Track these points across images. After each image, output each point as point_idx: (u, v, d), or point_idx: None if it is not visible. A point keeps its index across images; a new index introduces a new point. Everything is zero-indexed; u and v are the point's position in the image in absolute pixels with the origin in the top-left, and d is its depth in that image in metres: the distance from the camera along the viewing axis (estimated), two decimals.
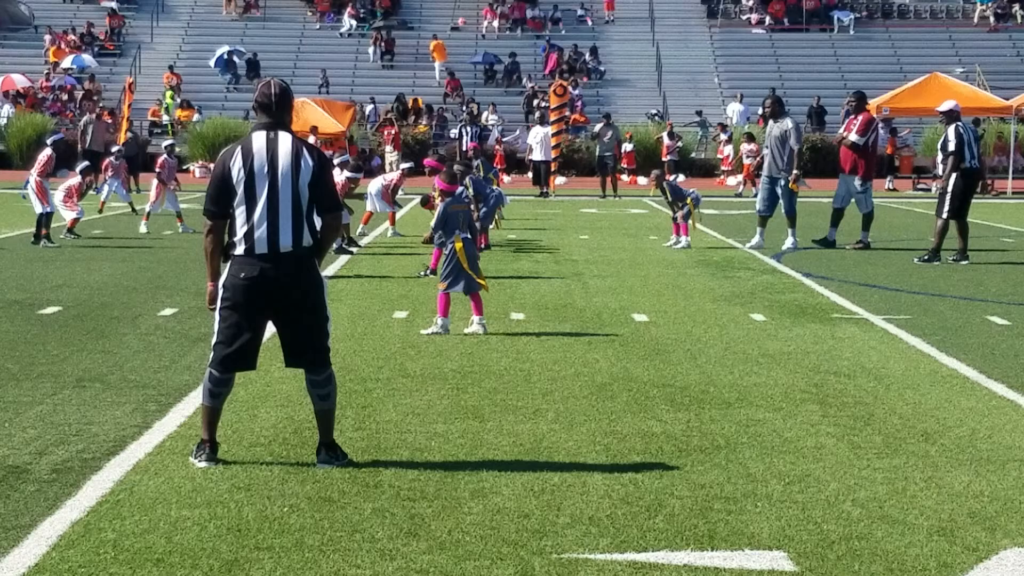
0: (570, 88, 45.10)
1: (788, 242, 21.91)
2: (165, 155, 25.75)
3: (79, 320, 13.54)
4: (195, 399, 9.62)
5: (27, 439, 8.44)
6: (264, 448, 8.29)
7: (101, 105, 47.81)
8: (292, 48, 58.14)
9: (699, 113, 50.36)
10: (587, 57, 56.23)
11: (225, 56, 55.33)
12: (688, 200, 22.21)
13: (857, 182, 21.99)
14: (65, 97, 53.37)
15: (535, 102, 50.99)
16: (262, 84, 8.00)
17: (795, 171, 21.62)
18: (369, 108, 51.57)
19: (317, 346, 7.91)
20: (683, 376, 10.82)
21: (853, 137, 21.97)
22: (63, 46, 56.85)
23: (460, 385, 10.34)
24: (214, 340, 7.88)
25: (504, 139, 47.22)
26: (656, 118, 50.50)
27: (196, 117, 50.97)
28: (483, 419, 9.18)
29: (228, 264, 7.82)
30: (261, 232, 7.67)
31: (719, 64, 56.42)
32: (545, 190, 38.83)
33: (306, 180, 7.72)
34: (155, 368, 10.99)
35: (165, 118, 50.97)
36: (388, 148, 44.01)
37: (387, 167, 40.36)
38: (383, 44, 57.44)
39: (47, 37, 57.41)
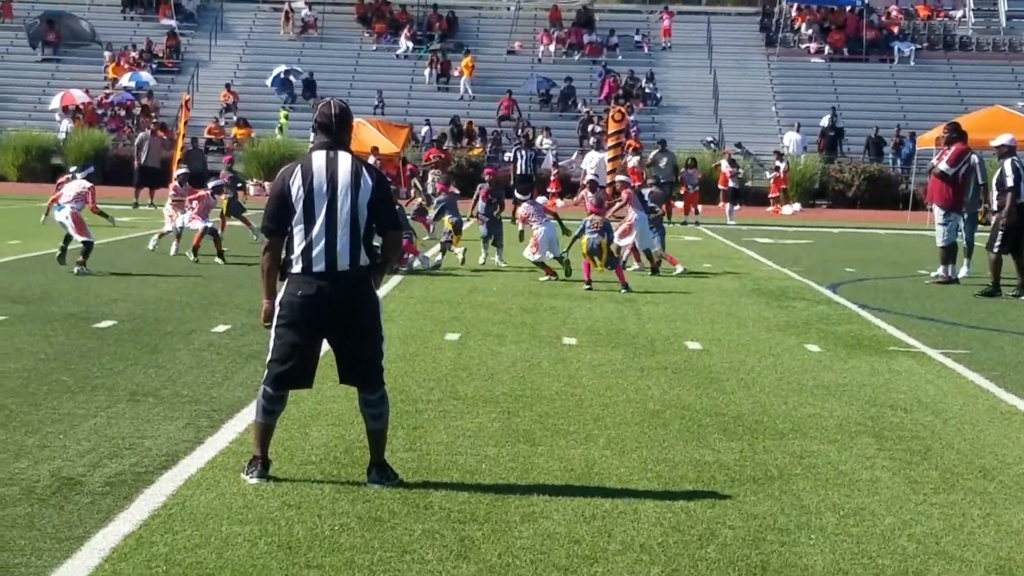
0: (627, 114, 45.03)
1: (964, 270, 22.21)
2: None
3: (133, 335, 13.60)
4: (247, 416, 9.64)
5: (81, 451, 8.47)
6: (315, 466, 8.28)
7: (156, 121, 48.18)
8: (348, 69, 58.37)
9: (739, 145, 50.19)
10: (643, 83, 56.16)
11: (282, 75, 55.61)
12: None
13: (939, 213, 21.73)
14: (123, 113, 53.78)
15: (590, 127, 50.97)
16: (322, 104, 8.02)
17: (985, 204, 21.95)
18: (424, 130, 51.69)
19: (371, 365, 7.91)
20: (736, 405, 10.74)
21: (942, 166, 21.53)
22: (123, 63, 57.32)
23: (511, 408, 10.31)
24: (269, 358, 7.89)
25: (559, 163, 47.20)
26: (712, 145, 50.38)
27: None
28: (534, 443, 9.14)
29: (285, 282, 7.83)
30: (319, 250, 7.69)
31: (776, 93, 56.22)
32: None
33: (365, 199, 7.74)
34: (208, 384, 11.02)
35: (279, 136, 50.89)
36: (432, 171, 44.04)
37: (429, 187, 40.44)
38: (439, 66, 57.60)
39: (107, 54, 57.89)
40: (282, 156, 46.05)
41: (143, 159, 39.04)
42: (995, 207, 20.31)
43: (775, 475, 8.46)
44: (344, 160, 7.80)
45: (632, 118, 50.59)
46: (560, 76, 56.42)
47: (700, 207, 38.98)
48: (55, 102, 53.10)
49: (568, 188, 45.49)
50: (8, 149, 50.45)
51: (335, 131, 7.89)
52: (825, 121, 52.10)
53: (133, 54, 58.13)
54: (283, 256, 7.84)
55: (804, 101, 55.08)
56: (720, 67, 57.30)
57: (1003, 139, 20.53)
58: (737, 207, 40.35)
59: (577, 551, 6.71)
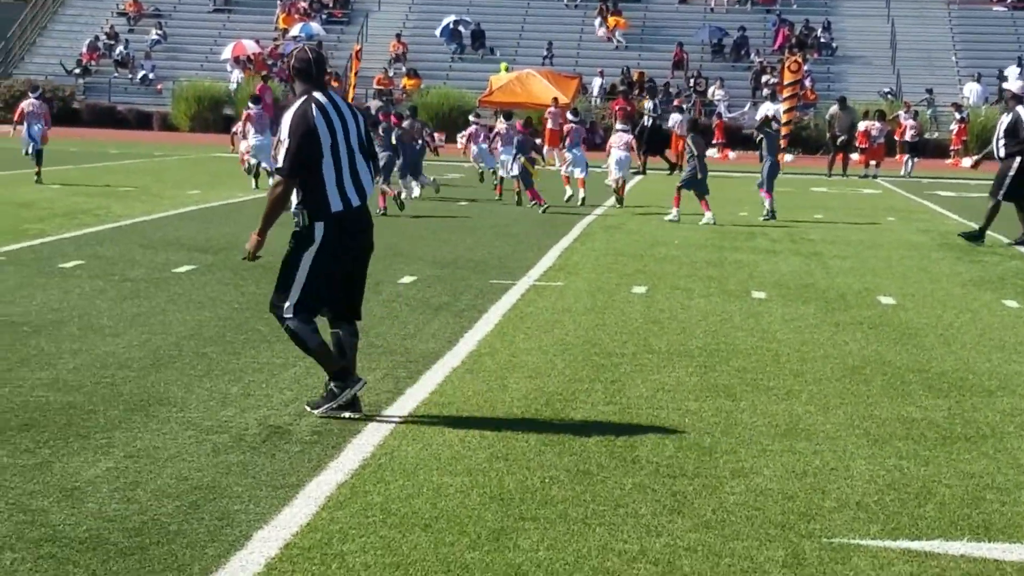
0: (803, 65, 44.27)
1: None
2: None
3: None
4: (444, 367, 9.71)
5: (285, 400, 8.55)
6: (517, 418, 8.26)
7: (328, 72, 48.50)
8: (518, 18, 58.13)
9: (929, 91, 48.98)
10: (819, 32, 55.07)
11: (451, 26, 55.64)
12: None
13: None
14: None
15: (763, 78, 50.20)
16: (298, 51, 8.29)
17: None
18: (597, 81, 51.36)
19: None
20: (938, 362, 10.47)
21: None
22: (293, 13, 57.88)
23: (708, 363, 10.18)
24: (299, 294, 8.09)
25: (731, 114, 46.67)
26: (889, 96, 49.26)
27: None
28: (735, 398, 9.01)
29: (322, 223, 7.99)
30: (350, 184, 8.04)
31: (957, 42, 54.71)
32: None
33: (364, 129, 8.22)
34: (401, 335, 11.06)
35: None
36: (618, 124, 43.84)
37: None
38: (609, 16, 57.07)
39: (278, 4, 58.50)
40: (451, 108, 46.18)
41: None
42: (1002, 155, 19.56)
43: (987, 433, 8.22)
44: (338, 99, 8.18)
45: (806, 68, 49.72)
46: (733, 26, 55.61)
47: (878, 160, 38.25)
48: (226, 52, 53.88)
49: (734, 139, 44.95)
50: (181, 99, 51.39)
51: (315, 74, 8.15)
52: (1009, 71, 50.57)
53: (303, 4, 58.61)
54: (300, 197, 8.03)
55: (985, 51, 53.52)
56: (898, 16, 55.88)
57: (1014, 86, 19.88)
58: (915, 159, 39.46)
59: (792, 508, 6.58)
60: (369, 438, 7.66)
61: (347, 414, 8.03)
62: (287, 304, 8.13)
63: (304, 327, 8.12)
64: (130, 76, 54.83)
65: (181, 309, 11.85)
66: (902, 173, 37.95)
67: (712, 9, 58.11)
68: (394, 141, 23.25)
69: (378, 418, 8.16)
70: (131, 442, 7.38)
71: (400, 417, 8.22)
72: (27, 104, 27.13)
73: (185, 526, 6.01)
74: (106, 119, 51.48)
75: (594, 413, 8.32)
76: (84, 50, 55.75)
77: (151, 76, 54.43)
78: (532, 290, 13.66)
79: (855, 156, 39.72)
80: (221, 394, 8.66)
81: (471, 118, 30.79)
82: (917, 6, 57.30)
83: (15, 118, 27.55)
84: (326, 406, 8.07)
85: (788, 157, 40.61)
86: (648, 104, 40.29)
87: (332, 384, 8.10)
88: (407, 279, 14.26)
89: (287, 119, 7.99)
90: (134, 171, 30.47)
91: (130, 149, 38.47)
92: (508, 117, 27.23)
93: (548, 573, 5.63)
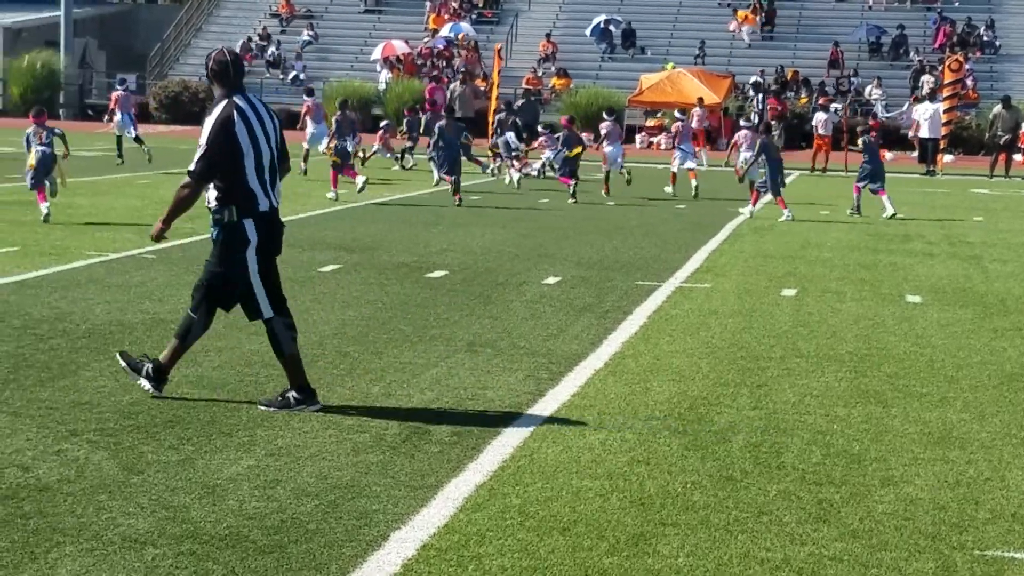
0: (964, 64, 43.26)
1: None
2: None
3: (465, 285, 13.68)
4: (586, 369, 9.60)
5: (425, 401, 8.52)
6: (659, 422, 8.11)
7: (463, 71, 48.51)
8: (670, 17, 57.64)
9: None
10: (981, 30, 53.71)
11: (601, 25, 55.34)
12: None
13: None
14: (443, 64, 54.47)
15: (922, 78, 49.13)
16: (215, 53, 8.30)
17: None
18: (753, 80, 50.65)
19: None
20: None
21: None
22: (443, 13, 58.07)
23: (858, 368, 9.93)
24: (267, 297, 8.19)
25: (888, 115, 45.79)
26: None
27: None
28: (886, 404, 8.76)
29: (251, 221, 8.05)
30: (271, 187, 8.17)
31: None
32: (931, 168, 37.48)
33: (279, 134, 8.34)
34: (543, 336, 10.96)
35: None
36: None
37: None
38: (763, 15, 56.38)
39: (428, 4, 58.73)
40: (600, 107, 45.94)
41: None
42: None
43: None
44: (257, 102, 8.29)
45: (968, 67, 48.54)
46: (892, 24, 54.47)
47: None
48: (376, 52, 54.16)
49: (891, 140, 44.00)
50: (331, 100, 51.73)
51: (233, 76, 8.21)
52: None
53: (454, 4, 58.71)
54: (221, 197, 8.06)
55: None
56: None
57: None
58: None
59: (944, 518, 6.36)
60: (509, 439, 7.58)
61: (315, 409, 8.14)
62: (264, 311, 8.25)
63: (287, 331, 8.25)
64: (281, 76, 55.41)
65: (325, 308, 11.90)
66: None
67: (870, 7, 56.95)
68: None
69: (518, 419, 8.09)
70: (272, 440, 7.41)
71: (541, 419, 8.13)
72: (118, 94, 31.15)
73: (324, 525, 5.99)
74: None
75: (739, 418, 8.15)
76: (237, 51, 56.47)
77: (302, 76, 54.97)
78: (678, 292, 13.51)
79: (1018, 157, 38.67)
80: (363, 393, 8.66)
81: (539, 128, 32.70)
82: None
83: (110, 107, 31.43)
84: (274, 408, 8.13)
85: (948, 158, 39.77)
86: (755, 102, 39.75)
87: (292, 394, 8.18)
88: (552, 279, 14.18)
89: (208, 124, 8.08)
90: None
91: None
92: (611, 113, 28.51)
93: None
